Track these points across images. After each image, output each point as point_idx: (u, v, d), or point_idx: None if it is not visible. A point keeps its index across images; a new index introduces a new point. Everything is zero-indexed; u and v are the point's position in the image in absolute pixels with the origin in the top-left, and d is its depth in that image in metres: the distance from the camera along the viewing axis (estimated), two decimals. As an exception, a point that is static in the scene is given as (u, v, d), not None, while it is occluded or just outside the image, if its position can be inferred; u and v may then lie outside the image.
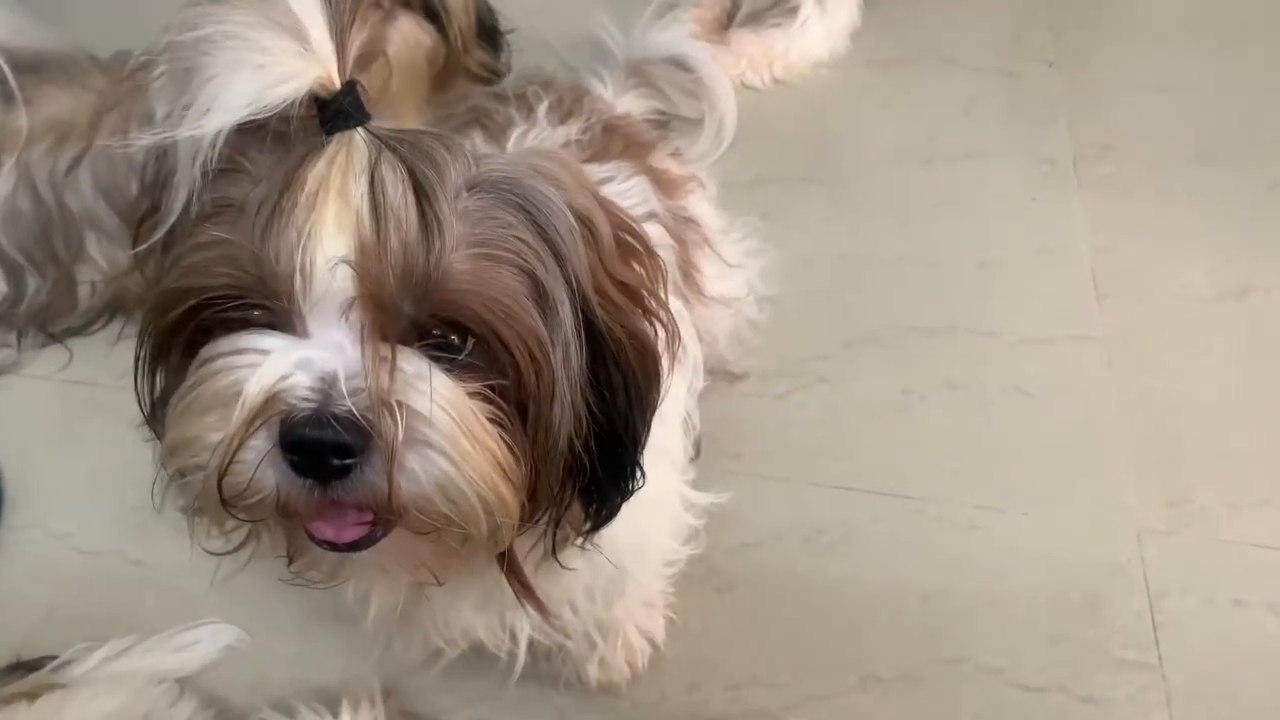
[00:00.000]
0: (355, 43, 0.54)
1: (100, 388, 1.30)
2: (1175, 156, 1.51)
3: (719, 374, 1.23)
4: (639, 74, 1.44)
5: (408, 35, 1.24)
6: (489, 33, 1.38)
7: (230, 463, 0.52)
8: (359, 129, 0.54)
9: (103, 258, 1.28)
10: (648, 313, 0.64)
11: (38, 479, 1.22)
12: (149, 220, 0.62)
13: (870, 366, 1.30)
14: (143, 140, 0.53)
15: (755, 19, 1.67)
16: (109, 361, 1.31)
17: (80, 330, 1.33)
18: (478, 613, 0.80)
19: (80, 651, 1.04)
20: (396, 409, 0.51)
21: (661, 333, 0.66)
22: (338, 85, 0.54)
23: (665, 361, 0.66)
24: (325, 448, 0.51)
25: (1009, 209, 1.46)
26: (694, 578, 1.10)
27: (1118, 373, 1.28)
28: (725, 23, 1.70)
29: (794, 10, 1.63)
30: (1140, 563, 1.12)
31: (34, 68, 1.27)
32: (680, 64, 1.46)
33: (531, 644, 0.88)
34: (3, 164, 1.22)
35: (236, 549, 0.68)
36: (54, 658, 1.04)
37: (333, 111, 0.54)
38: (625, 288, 0.62)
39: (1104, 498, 1.17)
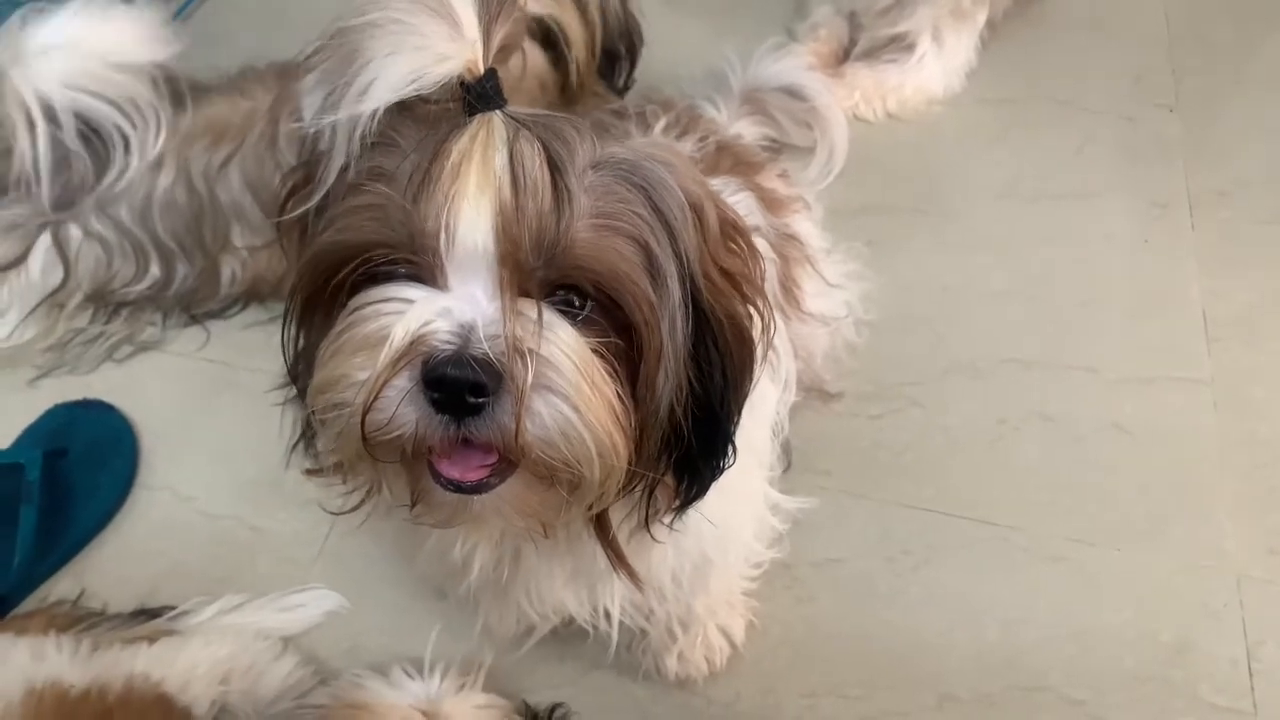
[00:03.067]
0: (499, 34, 0.61)
1: (232, 368, 1.39)
2: (1294, 205, 1.48)
3: (814, 391, 1.25)
4: (753, 101, 1.47)
5: (528, 59, 1.27)
6: (611, 59, 1.40)
7: (375, 399, 0.58)
8: (497, 111, 0.59)
9: (245, 247, 1.38)
10: (745, 300, 0.68)
11: (171, 446, 1.31)
12: (301, 191, 0.69)
13: (965, 395, 1.30)
14: (316, 118, 0.60)
15: (871, 54, 1.69)
16: (241, 344, 1.40)
17: (219, 314, 1.43)
18: (569, 585, 0.84)
19: (196, 604, 1.12)
20: (528, 355, 0.56)
21: (757, 321, 0.69)
22: (482, 70, 0.60)
23: (759, 350, 0.70)
24: (463, 385, 0.56)
25: (1117, 249, 1.45)
26: (777, 585, 1.13)
27: (1223, 417, 1.25)
28: (841, 56, 1.72)
29: (911, 47, 1.64)
30: (1239, 608, 1.10)
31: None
32: (794, 93, 1.48)
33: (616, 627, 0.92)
34: (166, 159, 1.34)
35: (356, 508, 0.73)
36: (173, 608, 1.12)
37: (475, 94, 0.59)
38: (727, 274, 0.66)
39: (1201, 540, 1.15)
